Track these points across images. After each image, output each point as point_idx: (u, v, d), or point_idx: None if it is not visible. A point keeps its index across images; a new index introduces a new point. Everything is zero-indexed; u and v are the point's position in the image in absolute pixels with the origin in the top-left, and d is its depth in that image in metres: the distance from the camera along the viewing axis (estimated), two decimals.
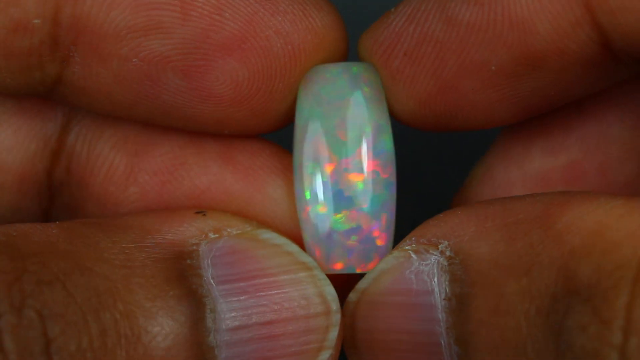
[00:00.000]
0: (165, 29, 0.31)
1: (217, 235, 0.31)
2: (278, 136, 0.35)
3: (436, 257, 0.30)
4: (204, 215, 0.32)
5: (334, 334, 0.31)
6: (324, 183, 0.32)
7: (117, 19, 0.31)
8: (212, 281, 0.30)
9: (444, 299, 0.30)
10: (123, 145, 0.34)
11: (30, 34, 0.31)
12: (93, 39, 0.31)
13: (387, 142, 0.32)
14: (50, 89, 0.32)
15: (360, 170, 0.32)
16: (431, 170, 0.49)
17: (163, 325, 0.29)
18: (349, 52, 0.34)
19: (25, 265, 0.27)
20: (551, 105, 0.33)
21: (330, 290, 0.31)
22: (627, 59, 0.31)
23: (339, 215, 0.32)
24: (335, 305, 0.31)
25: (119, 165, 0.34)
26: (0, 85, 0.32)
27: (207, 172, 0.33)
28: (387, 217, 0.32)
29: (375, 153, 0.32)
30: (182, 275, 0.30)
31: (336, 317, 0.31)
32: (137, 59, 0.31)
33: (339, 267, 0.32)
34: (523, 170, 0.36)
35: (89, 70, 0.32)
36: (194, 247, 0.31)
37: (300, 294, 0.31)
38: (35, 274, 0.27)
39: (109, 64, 0.31)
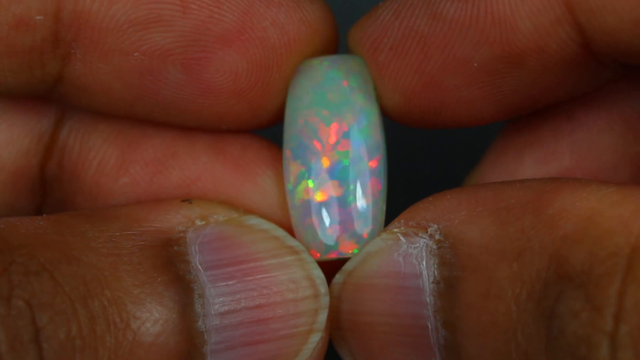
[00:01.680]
0: (166, 22, 0.31)
1: (203, 222, 0.31)
2: (271, 134, 0.35)
3: (425, 240, 0.30)
4: (191, 203, 0.32)
5: (323, 316, 0.31)
6: (308, 170, 0.32)
7: (118, 13, 0.31)
8: (199, 267, 0.30)
9: (432, 282, 0.30)
10: (115, 138, 0.34)
11: (33, 31, 0.31)
12: (94, 34, 0.31)
13: (372, 129, 0.32)
14: (50, 87, 0.33)
15: (344, 157, 0.32)
16: (426, 162, 0.49)
17: (152, 311, 0.29)
18: (340, 46, 0.34)
19: (13, 256, 0.27)
20: (534, 105, 0.33)
21: (318, 274, 0.31)
22: (608, 61, 0.31)
23: (324, 201, 0.32)
24: (323, 288, 0.31)
25: (111, 158, 0.34)
26: (1, 85, 0.32)
27: (198, 163, 0.34)
28: (373, 201, 0.32)
29: (359, 140, 0.32)
30: (170, 262, 0.30)
31: (325, 300, 0.31)
32: (139, 52, 0.31)
33: (326, 252, 0.32)
34: None
35: (90, 67, 0.32)
36: (181, 234, 0.31)
37: (288, 278, 0.31)
38: (23, 265, 0.27)
39: (110, 59, 0.31)
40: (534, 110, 0.34)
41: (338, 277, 0.32)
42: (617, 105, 0.35)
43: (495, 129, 0.37)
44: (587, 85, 0.33)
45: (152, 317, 0.29)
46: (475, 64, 0.31)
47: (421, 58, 0.32)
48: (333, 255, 0.32)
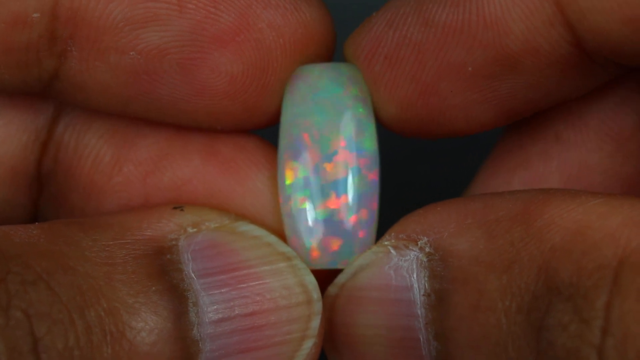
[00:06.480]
0: (162, 21, 0.31)
1: (195, 230, 0.32)
2: (269, 134, 0.35)
3: (415, 253, 0.31)
4: (182, 210, 0.32)
5: (316, 322, 0.31)
6: (305, 178, 0.32)
7: (115, 11, 0.31)
8: (193, 275, 0.30)
9: (423, 295, 0.30)
10: (111, 136, 0.34)
11: (29, 29, 0.31)
12: (91, 32, 0.31)
13: (370, 141, 0.32)
14: (47, 85, 0.32)
15: (341, 167, 0.32)
16: (421, 171, 0.49)
17: (147, 321, 0.29)
18: (338, 54, 0.34)
19: (9, 266, 0.27)
20: (532, 109, 0.33)
21: (310, 280, 0.31)
22: (602, 61, 0.31)
23: (319, 211, 0.32)
24: (316, 294, 0.31)
25: (105, 156, 0.34)
26: None
27: (190, 165, 0.34)
28: (368, 213, 0.32)
29: (357, 150, 0.32)
30: (163, 271, 0.30)
31: (318, 306, 0.31)
32: (135, 51, 0.31)
33: (320, 261, 0.32)
34: None
35: (86, 65, 0.32)
36: (174, 242, 0.31)
37: (281, 284, 0.31)
38: (19, 275, 0.27)
39: (107, 57, 0.31)
40: (533, 114, 0.34)
41: (331, 290, 0.32)
42: (607, 125, 0.35)
43: (485, 140, 0.37)
44: (584, 85, 0.33)
45: (148, 327, 0.29)
46: (470, 69, 0.31)
47: (416, 66, 0.32)
48: (321, 261, 0.32)
